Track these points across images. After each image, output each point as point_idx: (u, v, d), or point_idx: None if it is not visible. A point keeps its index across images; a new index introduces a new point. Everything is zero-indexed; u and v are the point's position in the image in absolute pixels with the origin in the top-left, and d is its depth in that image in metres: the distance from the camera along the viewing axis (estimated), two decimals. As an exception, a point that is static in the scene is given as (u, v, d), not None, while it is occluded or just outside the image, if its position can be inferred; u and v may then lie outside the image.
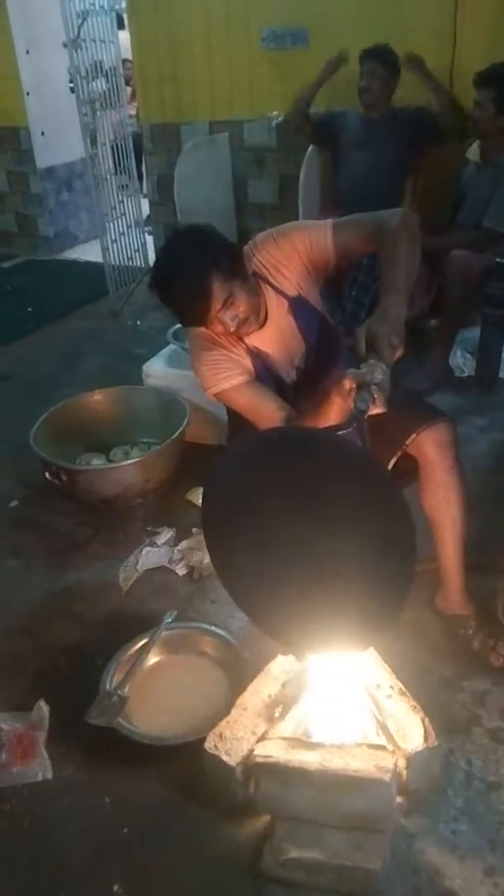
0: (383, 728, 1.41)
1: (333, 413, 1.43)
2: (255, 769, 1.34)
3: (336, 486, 1.18)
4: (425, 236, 1.63)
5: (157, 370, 2.79)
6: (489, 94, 2.87)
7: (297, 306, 1.72)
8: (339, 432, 1.29)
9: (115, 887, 1.33)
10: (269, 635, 1.35)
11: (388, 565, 1.18)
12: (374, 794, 1.28)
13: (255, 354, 1.74)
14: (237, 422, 1.85)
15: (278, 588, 1.24)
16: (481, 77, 2.92)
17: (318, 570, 1.19)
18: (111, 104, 4.30)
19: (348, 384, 1.32)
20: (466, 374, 3.19)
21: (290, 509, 1.19)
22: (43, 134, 5.35)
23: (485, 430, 2.78)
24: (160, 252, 1.66)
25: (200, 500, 2.34)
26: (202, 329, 1.69)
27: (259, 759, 1.33)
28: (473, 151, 3.11)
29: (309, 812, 1.32)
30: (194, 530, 2.25)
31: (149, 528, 2.32)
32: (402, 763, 1.36)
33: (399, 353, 1.36)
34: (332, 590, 1.19)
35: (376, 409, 1.30)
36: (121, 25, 4.58)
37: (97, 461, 2.58)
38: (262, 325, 1.70)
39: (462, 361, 3.22)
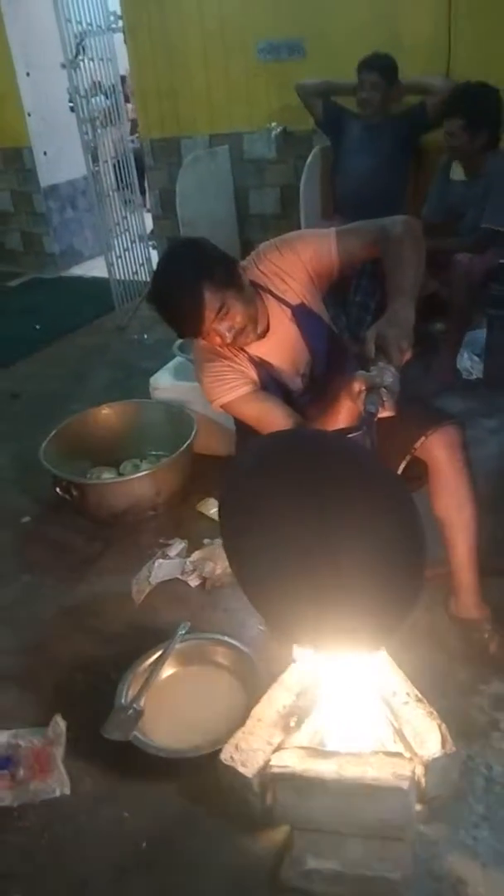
0: (400, 735, 1.39)
1: (343, 415, 1.45)
2: (272, 780, 1.33)
3: (347, 488, 1.19)
4: (427, 239, 1.64)
5: (164, 383, 2.80)
6: (459, 123, 2.88)
7: (301, 315, 1.72)
8: (349, 435, 1.29)
9: (135, 903, 1.33)
10: (282, 637, 1.35)
11: (399, 567, 1.18)
12: (392, 803, 1.27)
13: (259, 364, 1.74)
14: (245, 432, 1.85)
15: (292, 589, 1.24)
16: (447, 108, 2.94)
17: (331, 571, 1.19)
18: (111, 121, 4.35)
19: (358, 386, 1.33)
20: (474, 377, 3.17)
21: (302, 511, 1.20)
22: (45, 153, 5.42)
23: (495, 433, 2.76)
24: (157, 266, 1.69)
25: (213, 510, 2.36)
26: (205, 341, 1.70)
27: (276, 770, 1.32)
28: (456, 172, 3.11)
29: (327, 822, 1.31)
30: (206, 541, 2.25)
31: (161, 541, 2.32)
32: (420, 770, 1.34)
33: (408, 355, 1.38)
34: (345, 590, 1.20)
35: (386, 412, 1.31)
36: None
37: (107, 475, 2.59)
38: (262, 336, 1.70)
39: (469, 364, 3.21)
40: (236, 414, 1.78)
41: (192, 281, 1.54)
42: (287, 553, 1.24)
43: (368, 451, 1.30)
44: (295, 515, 1.21)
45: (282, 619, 1.32)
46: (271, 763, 1.34)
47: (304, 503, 1.20)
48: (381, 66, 3.28)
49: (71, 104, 4.39)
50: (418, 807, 1.37)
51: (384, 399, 1.29)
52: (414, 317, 1.43)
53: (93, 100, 4.22)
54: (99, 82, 4.20)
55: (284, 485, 1.22)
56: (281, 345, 1.74)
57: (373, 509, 1.18)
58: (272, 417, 1.68)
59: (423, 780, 1.35)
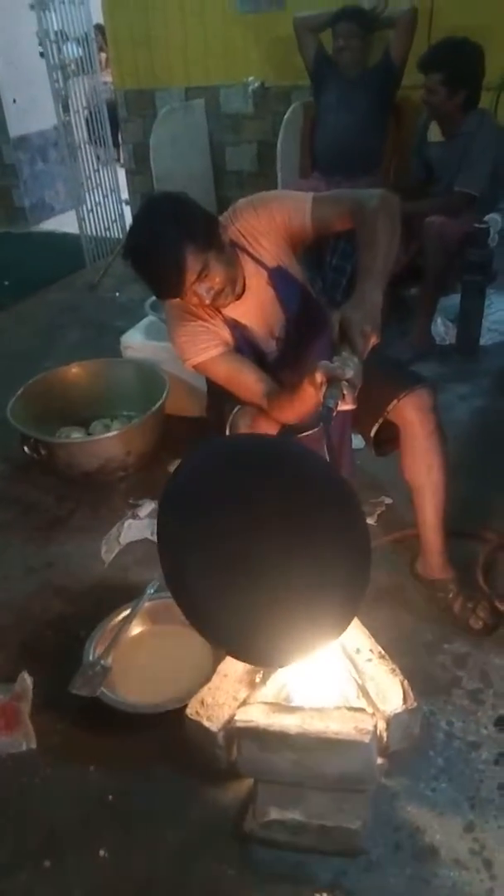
0: (363, 691, 1.42)
1: (307, 400, 1.41)
2: (237, 734, 1.35)
3: (291, 496, 1.16)
4: (402, 202, 1.61)
5: (135, 342, 2.76)
6: (437, 78, 2.81)
7: (277, 277, 1.69)
8: (305, 433, 1.25)
9: (102, 852, 1.35)
10: (224, 648, 1.33)
11: (344, 578, 1.18)
12: (354, 756, 1.30)
13: (234, 326, 1.72)
14: (216, 393, 1.83)
15: (233, 603, 1.21)
16: (426, 62, 2.86)
17: (273, 581, 1.17)
18: (84, 70, 4.20)
19: (319, 377, 1.28)
20: (448, 343, 3.18)
21: (245, 522, 1.17)
22: (15, 101, 5.22)
23: (466, 398, 2.78)
24: (134, 221, 1.63)
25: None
26: (179, 300, 1.66)
27: (240, 724, 1.34)
28: (434, 132, 3.06)
29: (290, 775, 1.33)
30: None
31: (130, 501, 2.31)
32: (381, 725, 1.37)
33: (374, 341, 1.33)
34: (289, 601, 1.17)
35: (345, 406, 1.27)
36: None
37: (77, 435, 2.56)
38: (239, 297, 1.67)
39: (443, 330, 3.21)
40: (209, 374, 1.76)
41: (174, 241, 1.48)
42: (228, 570, 1.19)
43: (320, 458, 1.26)
44: (238, 529, 1.17)
45: (220, 630, 1.26)
46: (236, 718, 1.36)
47: (245, 517, 1.16)
48: (355, 14, 3.22)
49: (40, 49, 4.22)
50: (380, 760, 1.40)
51: (344, 392, 1.26)
52: (381, 299, 1.38)
53: (64, 46, 4.06)
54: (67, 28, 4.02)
55: (224, 501, 1.18)
56: (256, 307, 1.71)
57: (321, 523, 1.15)
58: (244, 379, 1.67)
59: (384, 735, 1.39)
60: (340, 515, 1.18)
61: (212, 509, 1.20)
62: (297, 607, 1.16)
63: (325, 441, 1.27)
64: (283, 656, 1.25)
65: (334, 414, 1.26)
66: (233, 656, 1.39)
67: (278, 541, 1.15)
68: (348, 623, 1.24)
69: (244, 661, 1.39)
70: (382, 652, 1.49)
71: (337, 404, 1.25)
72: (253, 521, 1.16)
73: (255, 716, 1.34)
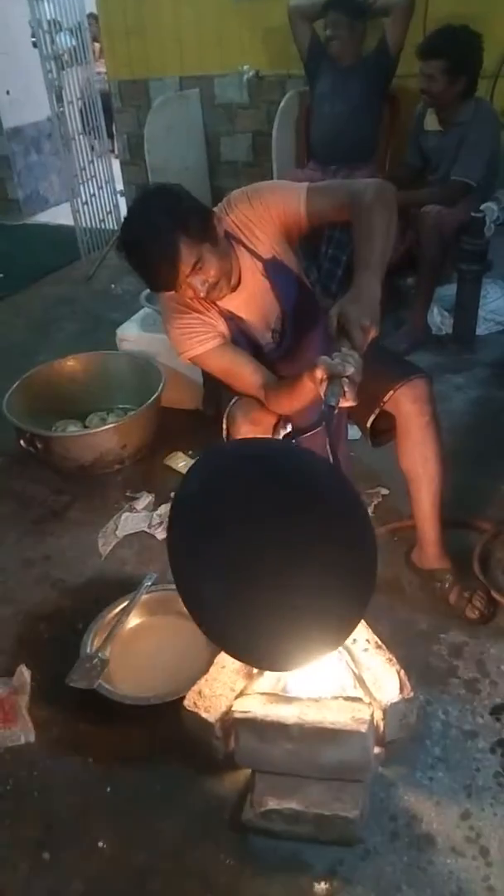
0: (360, 681, 1.42)
1: (306, 393, 1.42)
2: (235, 725, 1.36)
3: (297, 507, 1.16)
4: (398, 192, 1.59)
5: (131, 334, 2.75)
6: (439, 65, 2.76)
7: (272, 268, 1.68)
8: (308, 433, 1.23)
9: (100, 843, 1.36)
10: (244, 658, 1.34)
11: (349, 589, 1.18)
12: (351, 746, 1.30)
13: (230, 318, 1.71)
14: (212, 385, 1.83)
15: (241, 610, 1.22)
16: (426, 49, 2.80)
17: (278, 592, 1.17)
18: (77, 60, 4.17)
19: (319, 374, 1.28)
20: (444, 332, 3.17)
21: (251, 535, 1.17)
22: (8, 93, 5.19)
23: (462, 388, 2.78)
24: (128, 213, 1.61)
25: (181, 464, 2.34)
26: (174, 292, 1.65)
27: (238, 715, 1.34)
28: (431, 121, 3.03)
29: (288, 765, 1.34)
30: (173, 494, 2.24)
31: (127, 494, 2.31)
32: (378, 715, 1.38)
33: (373, 333, 1.32)
34: (294, 611, 1.17)
35: (346, 403, 1.26)
36: None
37: (73, 428, 2.55)
38: (234, 289, 1.67)
39: (439, 320, 3.19)
40: (205, 367, 1.75)
41: (167, 233, 1.47)
42: (236, 580, 1.20)
43: (326, 464, 1.25)
44: (246, 541, 1.17)
45: (226, 634, 1.29)
46: (234, 708, 1.36)
47: (254, 530, 1.17)
48: (343, 2, 3.17)
49: (34, 39, 4.19)
50: (377, 749, 1.41)
51: (345, 390, 1.25)
52: (380, 292, 1.37)
53: (57, 36, 4.02)
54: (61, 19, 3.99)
55: (235, 511, 1.18)
56: (252, 299, 1.70)
57: (326, 533, 1.16)
58: (241, 371, 1.67)
59: (381, 724, 1.39)
60: (346, 527, 1.18)
61: (220, 522, 1.21)
62: (302, 617, 1.17)
63: (328, 440, 1.26)
64: (287, 662, 1.26)
65: (336, 412, 1.26)
66: (239, 660, 1.40)
67: (284, 552, 1.15)
68: (351, 631, 1.26)
69: (250, 665, 1.40)
70: (379, 642, 1.49)
71: (338, 402, 1.25)
72: (257, 534, 1.16)
73: (252, 706, 1.35)
